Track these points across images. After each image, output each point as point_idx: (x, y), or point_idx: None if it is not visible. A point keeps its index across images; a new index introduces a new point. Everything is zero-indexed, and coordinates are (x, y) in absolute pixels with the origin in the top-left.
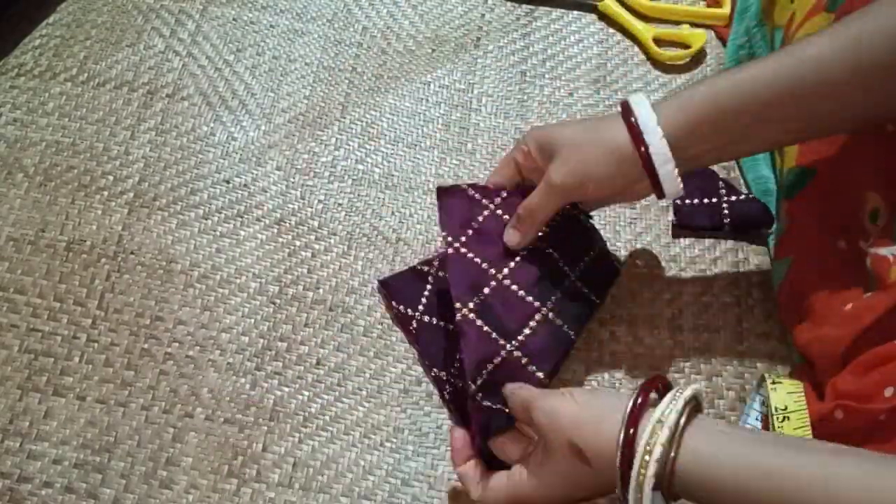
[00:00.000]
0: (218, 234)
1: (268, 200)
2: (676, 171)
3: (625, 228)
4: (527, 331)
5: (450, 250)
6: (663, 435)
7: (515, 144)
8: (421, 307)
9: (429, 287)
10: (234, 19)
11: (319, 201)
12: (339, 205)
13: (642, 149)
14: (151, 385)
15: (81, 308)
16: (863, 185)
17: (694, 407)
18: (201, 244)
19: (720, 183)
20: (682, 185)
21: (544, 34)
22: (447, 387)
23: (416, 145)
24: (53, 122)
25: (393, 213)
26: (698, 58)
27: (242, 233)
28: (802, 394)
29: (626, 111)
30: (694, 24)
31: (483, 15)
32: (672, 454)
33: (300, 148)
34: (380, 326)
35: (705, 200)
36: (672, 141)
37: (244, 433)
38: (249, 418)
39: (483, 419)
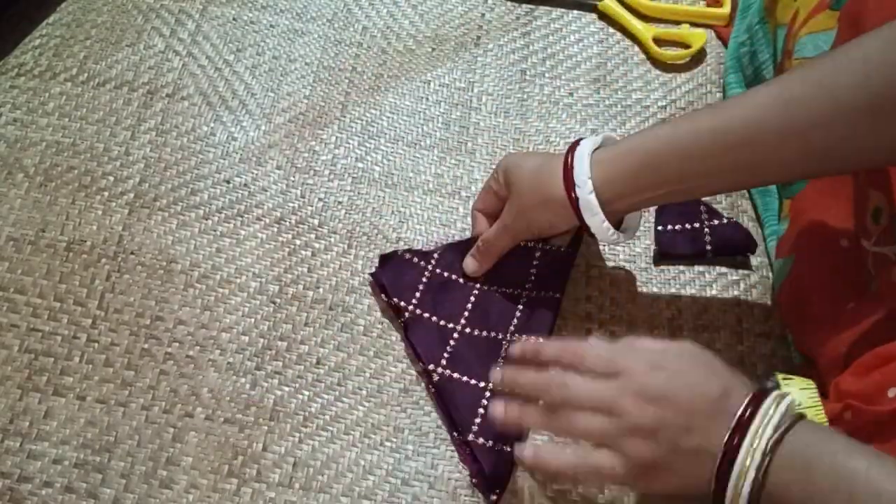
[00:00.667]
0: (218, 233)
1: (268, 200)
2: (605, 223)
3: None
4: (501, 361)
5: (406, 314)
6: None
7: (493, 171)
8: (415, 300)
9: (424, 281)
10: (234, 19)
11: (319, 200)
12: (340, 203)
13: (574, 201)
14: (151, 385)
15: (81, 308)
16: (866, 183)
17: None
18: (201, 244)
19: (701, 207)
20: (613, 234)
21: (544, 33)
22: (434, 377)
23: (416, 144)
24: (53, 122)
25: (393, 211)
26: (698, 57)
27: (243, 232)
28: (815, 390)
29: (567, 164)
30: (694, 24)
31: (483, 14)
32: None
33: (300, 147)
34: (380, 326)
35: (686, 226)
36: (603, 195)
37: (244, 433)
38: (249, 418)
39: (492, 463)
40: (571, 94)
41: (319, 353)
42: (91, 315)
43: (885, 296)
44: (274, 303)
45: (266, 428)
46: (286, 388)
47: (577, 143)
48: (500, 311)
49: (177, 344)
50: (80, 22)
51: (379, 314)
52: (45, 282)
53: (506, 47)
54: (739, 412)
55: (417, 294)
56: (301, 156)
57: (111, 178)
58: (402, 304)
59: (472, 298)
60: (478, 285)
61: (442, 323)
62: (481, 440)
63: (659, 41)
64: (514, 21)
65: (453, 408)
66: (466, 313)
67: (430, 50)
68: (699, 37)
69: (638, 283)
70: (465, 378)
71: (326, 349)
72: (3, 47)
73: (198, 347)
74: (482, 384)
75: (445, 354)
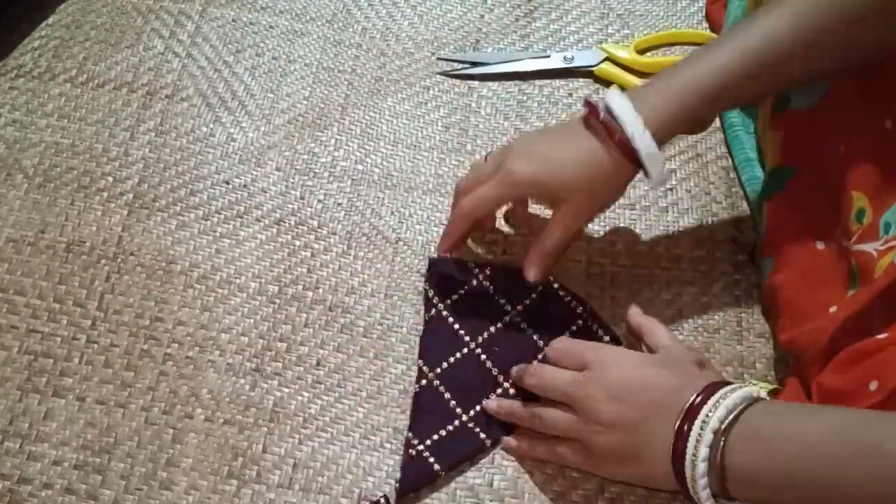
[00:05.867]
0: (217, 234)
1: (267, 201)
2: (664, 162)
3: (625, 231)
4: (485, 402)
5: (433, 311)
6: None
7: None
8: (449, 301)
9: (466, 287)
10: (233, 20)
11: (319, 201)
12: (339, 205)
13: (632, 152)
14: (151, 386)
15: (81, 309)
16: (848, 185)
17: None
18: (201, 245)
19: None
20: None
21: (543, 34)
22: (423, 381)
23: (415, 146)
24: (53, 124)
25: (392, 213)
26: None
27: (242, 233)
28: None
29: (590, 105)
30: None
31: (482, 16)
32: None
33: (300, 149)
34: (380, 327)
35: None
36: (660, 138)
37: (244, 434)
38: (249, 419)
39: (413, 471)
40: (570, 95)
41: (319, 355)
42: (90, 316)
43: (867, 290)
44: (273, 304)
45: (266, 429)
46: (286, 390)
47: (593, 106)
48: (517, 355)
49: (176, 345)
50: (80, 23)
51: (379, 316)
52: (45, 283)
53: (505, 49)
54: (689, 401)
55: (455, 297)
56: (300, 157)
57: (110, 179)
58: (436, 300)
59: (500, 325)
60: (515, 311)
61: (461, 332)
62: (427, 453)
63: None
64: (512, 23)
65: (420, 413)
66: (486, 334)
67: (429, 53)
68: None
69: (639, 283)
70: (447, 395)
71: (326, 350)
72: (2, 49)
73: (197, 348)
74: (459, 410)
75: (444, 364)
